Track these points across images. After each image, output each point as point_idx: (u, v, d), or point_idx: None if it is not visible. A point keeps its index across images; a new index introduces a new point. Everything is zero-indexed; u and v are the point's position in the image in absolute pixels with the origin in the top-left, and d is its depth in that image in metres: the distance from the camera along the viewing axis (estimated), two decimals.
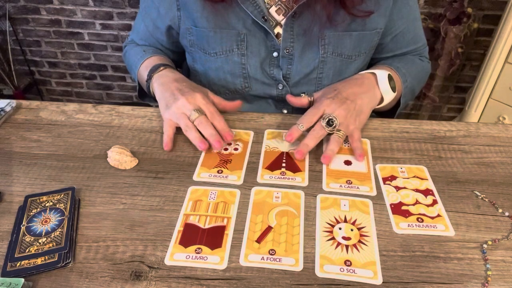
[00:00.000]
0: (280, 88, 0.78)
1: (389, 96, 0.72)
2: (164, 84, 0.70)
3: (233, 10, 0.71)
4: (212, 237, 0.51)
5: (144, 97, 0.86)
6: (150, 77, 0.73)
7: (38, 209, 0.54)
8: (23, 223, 0.52)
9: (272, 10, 0.72)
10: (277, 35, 0.73)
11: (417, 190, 0.59)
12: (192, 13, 0.73)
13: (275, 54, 0.74)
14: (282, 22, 0.72)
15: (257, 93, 0.79)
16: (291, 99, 0.71)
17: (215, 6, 0.70)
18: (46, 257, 0.48)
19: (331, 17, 0.69)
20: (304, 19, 0.70)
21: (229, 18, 0.71)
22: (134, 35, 0.87)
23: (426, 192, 0.58)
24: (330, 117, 0.63)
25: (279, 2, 0.71)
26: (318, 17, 0.69)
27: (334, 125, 0.63)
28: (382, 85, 0.70)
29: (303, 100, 0.71)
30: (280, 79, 0.76)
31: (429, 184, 0.60)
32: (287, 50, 0.73)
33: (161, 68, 0.74)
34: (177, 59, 0.90)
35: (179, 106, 0.65)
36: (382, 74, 0.71)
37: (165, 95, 0.68)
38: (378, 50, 0.80)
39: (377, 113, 0.84)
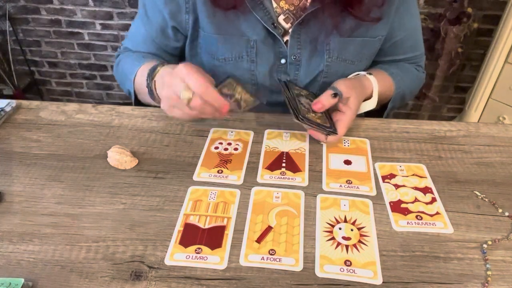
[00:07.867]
0: None
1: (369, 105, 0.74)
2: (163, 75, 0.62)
3: (243, 17, 0.71)
4: (212, 237, 0.51)
5: (139, 103, 0.80)
6: (155, 68, 0.66)
7: None
8: None
9: (280, 19, 0.72)
10: (285, 43, 0.73)
11: (416, 188, 0.59)
12: (202, 18, 0.73)
13: (282, 60, 0.74)
14: (290, 30, 0.72)
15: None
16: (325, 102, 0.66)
17: (226, 13, 0.70)
18: None
19: (338, 25, 0.69)
20: (311, 27, 0.71)
21: (240, 25, 0.72)
22: (129, 43, 0.82)
23: (425, 190, 0.58)
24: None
25: (287, 11, 0.72)
26: (325, 24, 0.70)
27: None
28: (374, 96, 0.73)
29: (333, 100, 0.67)
30: None
31: (428, 182, 0.60)
32: (295, 57, 0.74)
33: (162, 63, 0.67)
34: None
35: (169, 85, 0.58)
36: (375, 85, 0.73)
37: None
38: (376, 54, 0.81)
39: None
